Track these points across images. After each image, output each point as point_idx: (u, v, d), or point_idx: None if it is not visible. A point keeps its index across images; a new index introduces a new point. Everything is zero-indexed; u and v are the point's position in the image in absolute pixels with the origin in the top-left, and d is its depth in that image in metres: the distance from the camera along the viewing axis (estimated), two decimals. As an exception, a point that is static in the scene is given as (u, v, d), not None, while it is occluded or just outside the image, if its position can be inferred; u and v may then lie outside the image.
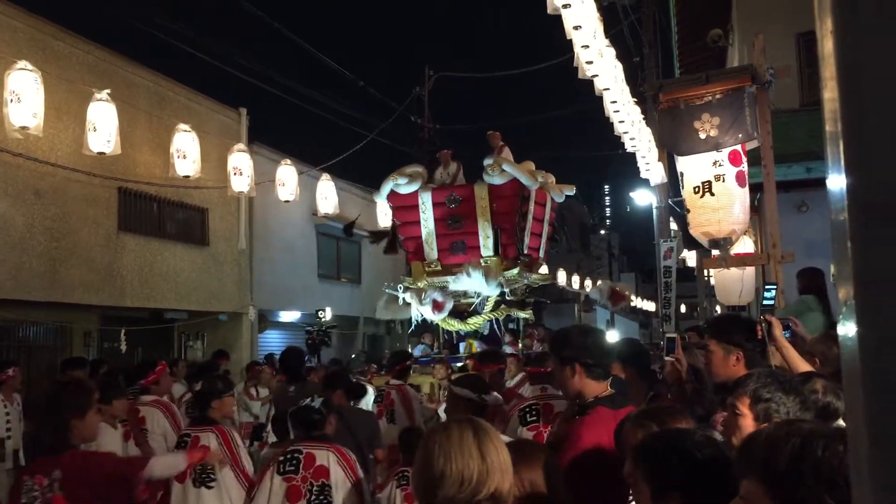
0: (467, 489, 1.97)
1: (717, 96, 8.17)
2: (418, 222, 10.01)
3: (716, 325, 3.55)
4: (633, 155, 11.44)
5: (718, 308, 17.49)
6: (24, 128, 8.21)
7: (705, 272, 14.74)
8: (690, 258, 17.79)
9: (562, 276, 29.42)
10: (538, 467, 2.42)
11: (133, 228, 13.32)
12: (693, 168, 8.59)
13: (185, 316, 14.78)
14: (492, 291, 9.58)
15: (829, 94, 0.83)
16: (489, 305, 9.87)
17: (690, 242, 11.73)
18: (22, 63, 8.33)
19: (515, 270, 9.66)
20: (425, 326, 10.88)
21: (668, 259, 13.55)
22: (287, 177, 10.79)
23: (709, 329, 3.49)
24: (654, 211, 15.31)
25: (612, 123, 9.94)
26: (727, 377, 3.17)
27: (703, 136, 8.15)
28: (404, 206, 10.13)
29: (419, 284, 9.87)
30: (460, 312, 9.98)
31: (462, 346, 10.38)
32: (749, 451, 1.63)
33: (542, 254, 10.89)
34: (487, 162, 9.55)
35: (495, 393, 4.56)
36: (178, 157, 9.80)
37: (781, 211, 8.51)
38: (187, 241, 14.70)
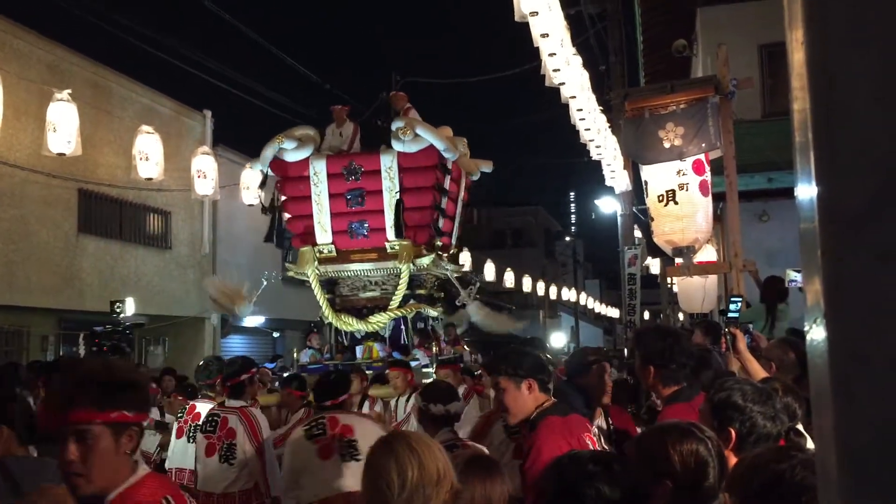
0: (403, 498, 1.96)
1: (682, 106, 8.27)
2: (308, 198, 8.32)
3: (503, 362, 3.43)
4: (598, 162, 11.54)
5: (681, 315, 17.68)
6: (-20, 128, 8.04)
7: (668, 280, 14.89)
8: (654, 265, 17.96)
9: (527, 282, 29.55)
10: (495, 481, 2.42)
11: (94, 231, 13.11)
12: (657, 176, 8.68)
13: (145, 320, 14.56)
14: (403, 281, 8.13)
15: (799, 104, 0.83)
16: (396, 300, 8.23)
17: (654, 250, 11.86)
18: (-21, 62, 8.18)
19: (429, 258, 8.15)
20: (312, 326, 9.44)
21: (633, 266, 13.65)
22: (252, 180, 10.68)
23: (495, 367, 3.45)
24: (619, 218, 15.40)
25: (579, 131, 10.02)
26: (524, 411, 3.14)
27: (667, 145, 8.24)
28: (291, 178, 8.45)
29: (307, 274, 8.28)
30: (359, 309, 8.45)
31: (360, 349, 8.64)
32: (736, 469, 1.65)
33: (454, 240, 9.34)
34: (397, 125, 7.95)
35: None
36: (141, 159, 9.65)
37: (743, 220, 8.63)
38: (149, 244, 14.50)
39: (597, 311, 44.34)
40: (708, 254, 10.43)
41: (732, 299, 4.58)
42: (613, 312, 41.28)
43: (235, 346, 17.55)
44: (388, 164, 8.08)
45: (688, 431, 2.21)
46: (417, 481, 1.99)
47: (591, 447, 3.01)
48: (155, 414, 7.21)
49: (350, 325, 8.36)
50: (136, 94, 14.08)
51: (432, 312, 8.97)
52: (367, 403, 7.00)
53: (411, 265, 8.09)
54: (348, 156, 8.38)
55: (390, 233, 8.12)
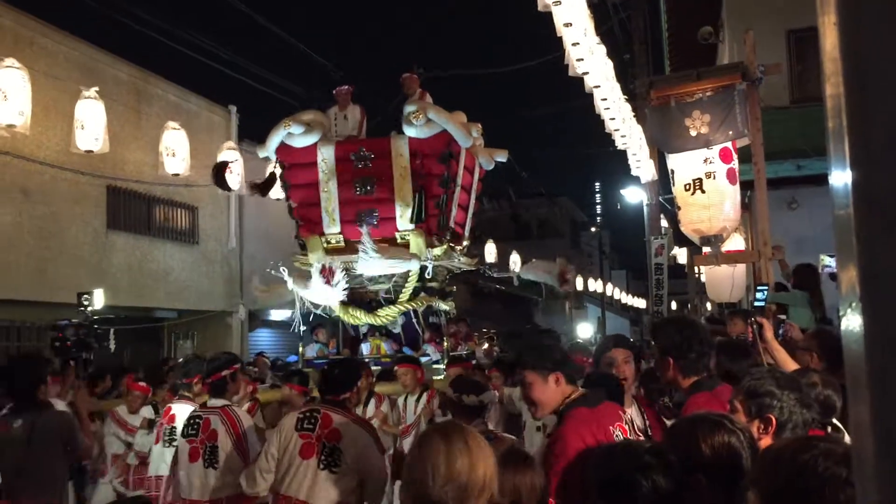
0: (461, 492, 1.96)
1: (708, 93, 8.18)
2: (316, 184, 7.86)
3: (529, 355, 3.42)
4: (623, 152, 11.46)
5: (709, 305, 17.55)
6: (10, 126, 8.15)
7: (696, 269, 14.79)
8: (681, 255, 17.84)
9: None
10: (525, 473, 2.42)
11: (122, 227, 13.26)
12: (684, 165, 8.60)
13: (174, 315, 14.71)
14: (413, 267, 7.69)
15: (833, 89, 0.82)
16: (406, 293, 7.78)
17: (681, 239, 11.77)
18: (9, 61, 8.26)
19: (441, 250, 7.74)
20: (319, 320, 8.79)
21: (659, 256, 13.57)
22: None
23: (521, 361, 3.44)
24: (645, 208, 15.30)
25: (603, 121, 9.96)
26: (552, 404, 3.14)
27: (693, 133, 8.16)
28: (298, 164, 8.00)
29: (315, 264, 7.86)
30: (367, 302, 7.97)
31: (366, 345, 8.27)
32: (758, 462, 1.63)
33: (467, 231, 8.82)
34: (409, 109, 7.55)
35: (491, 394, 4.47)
36: (168, 155, 9.75)
37: (771, 208, 8.53)
38: (177, 239, 14.64)
39: (623, 301, 44.12)
40: (736, 242, 10.33)
41: (759, 288, 4.53)
42: (640, 303, 41.05)
43: (262, 339, 17.68)
44: (398, 150, 7.58)
45: (718, 423, 2.20)
46: (463, 480, 1.98)
47: (620, 438, 2.98)
48: (148, 412, 6.93)
49: (358, 318, 7.84)
50: (162, 91, 14.20)
51: (444, 306, 8.46)
52: (373, 401, 6.63)
53: (423, 256, 7.63)
54: (358, 141, 7.93)
55: (401, 222, 7.66)
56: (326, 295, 7.61)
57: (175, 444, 5.24)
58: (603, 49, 8.35)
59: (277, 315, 18.38)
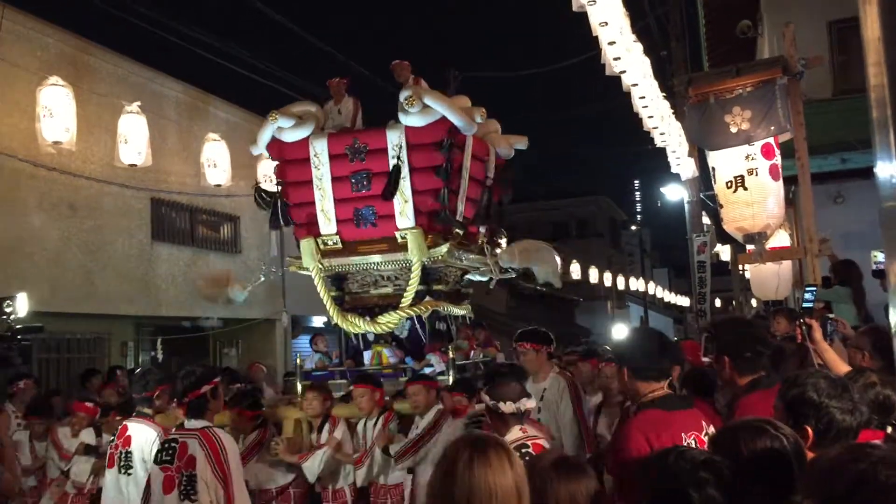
0: None
1: (748, 89, 8.05)
2: (310, 182, 7.35)
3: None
4: (663, 149, 11.35)
5: (754, 302, 17.28)
6: (57, 142, 8.35)
7: (740, 266, 14.57)
8: (724, 252, 17.60)
9: (593, 273, 29.27)
10: (580, 482, 2.40)
11: (166, 238, 13.47)
12: (725, 162, 8.47)
13: (219, 324, 14.90)
14: (415, 272, 7.10)
15: (876, 79, 0.80)
16: (407, 297, 7.15)
17: (724, 236, 11.61)
18: (53, 79, 8.47)
19: (444, 248, 7.09)
20: (318, 328, 8.48)
21: (702, 254, 13.42)
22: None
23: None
24: (686, 206, 15.15)
25: (641, 119, 9.88)
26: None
27: (734, 129, 8.04)
28: (291, 161, 7.49)
29: (310, 268, 7.43)
30: (369, 308, 7.46)
31: (368, 354, 7.57)
32: (812, 471, 1.59)
33: (482, 228, 8.21)
34: (404, 94, 6.94)
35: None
36: (209, 166, 9.91)
37: (817, 203, 8.38)
38: (220, 249, 14.84)
39: (666, 300, 43.70)
40: (781, 239, 10.15)
41: (807, 288, 4.43)
42: (683, 301, 40.63)
43: (306, 346, 17.82)
44: (395, 141, 6.99)
45: (761, 429, 2.15)
46: (497, 494, 1.96)
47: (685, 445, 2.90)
48: (87, 436, 6.30)
49: (357, 326, 7.30)
50: (202, 103, 14.41)
51: (457, 311, 7.87)
52: (327, 425, 6.10)
53: (424, 256, 7.02)
54: (351, 133, 7.36)
55: (401, 219, 7.11)
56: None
57: (131, 471, 4.83)
58: (640, 47, 8.28)
59: (320, 322, 18.54)
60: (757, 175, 8.26)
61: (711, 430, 3.04)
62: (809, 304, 4.22)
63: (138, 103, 9.26)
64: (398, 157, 6.98)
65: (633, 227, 42.68)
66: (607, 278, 31.07)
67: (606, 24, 6.78)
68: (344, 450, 5.98)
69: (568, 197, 40.02)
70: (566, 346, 10.81)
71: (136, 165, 9.17)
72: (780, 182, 8.50)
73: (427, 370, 6.92)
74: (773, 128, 8.00)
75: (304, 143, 7.28)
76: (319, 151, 7.24)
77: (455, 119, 6.96)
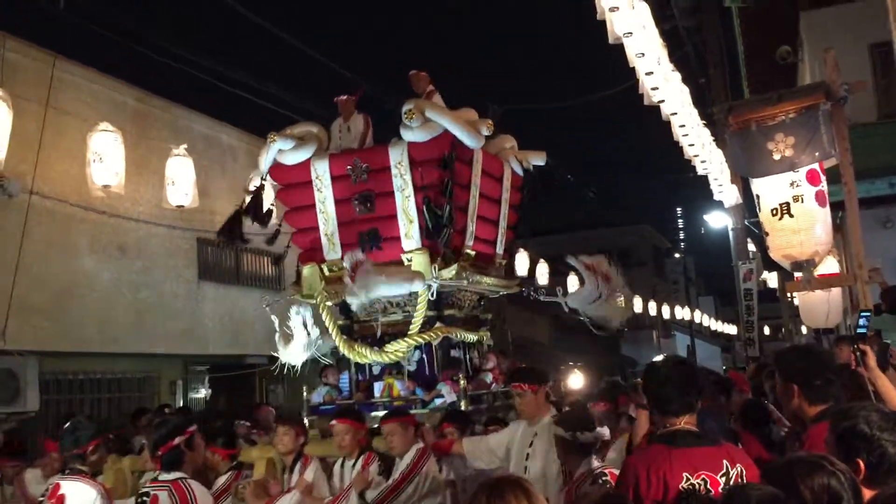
0: None
1: (791, 115, 7.97)
2: (313, 206, 7.01)
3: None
4: (704, 177, 11.26)
5: (804, 329, 16.94)
6: (106, 186, 8.59)
7: (789, 294, 14.33)
8: (771, 279, 17.33)
9: (638, 303, 28.97)
10: None
11: (212, 277, 13.66)
12: (769, 189, 8.37)
13: (265, 361, 15.02)
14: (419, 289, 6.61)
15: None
16: (416, 324, 6.68)
17: (771, 263, 11.44)
18: (103, 125, 8.74)
19: (452, 270, 6.62)
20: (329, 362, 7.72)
21: (749, 281, 13.24)
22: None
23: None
24: (731, 233, 14.97)
25: (682, 147, 9.83)
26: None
27: (777, 156, 7.95)
28: (292, 185, 7.20)
29: (314, 296, 7.06)
30: (380, 337, 6.99)
31: (378, 386, 7.09)
32: None
33: (499, 248, 7.73)
34: (405, 108, 6.59)
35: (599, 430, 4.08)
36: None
37: (865, 228, 8.21)
38: (265, 286, 14.99)
39: (712, 328, 43.00)
40: (830, 266, 9.97)
41: (862, 314, 4.35)
42: (730, 329, 39.95)
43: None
44: (397, 159, 6.60)
45: (817, 465, 2.11)
46: None
47: (687, 487, 2.82)
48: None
49: (364, 356, 6.85)
50: (247, 144, 14.67)
51: (472, 337, 7.40)
52: (298, 465, 5.44)
53: (432, 280, 6.54)
54: (352, 153, 6.96)
55: (407, 242, 6.70)
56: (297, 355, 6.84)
57: None
58: (678, 76, 8.29)
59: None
60: (803, 202, 8.15)
61: (739, 469, 2.90)
62: (863, 330, 4.14)
63: (185, 146, 9.49)
64: (427, 197, 6.54)
65: (677, 255, 42.19)
66: (652, 307, 30.73)
67: (643, 55, 6.81)
68: (318, 493, 5.23)
69: (610, 226, 39.78)
70: (611, 376, 10.67)
71: (183, 206, 9.37)
72: (827, 208, 8.37)
73: (437, 401, 6.57)
74: (817, 153, 7.90)
75: (306, 165, 6.96)
76: (321, 173, 6.91)
77: (458, 132, 6.56)
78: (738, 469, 2.90)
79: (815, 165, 8.09)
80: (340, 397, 7.33)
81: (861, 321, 4.12)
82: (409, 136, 6.59)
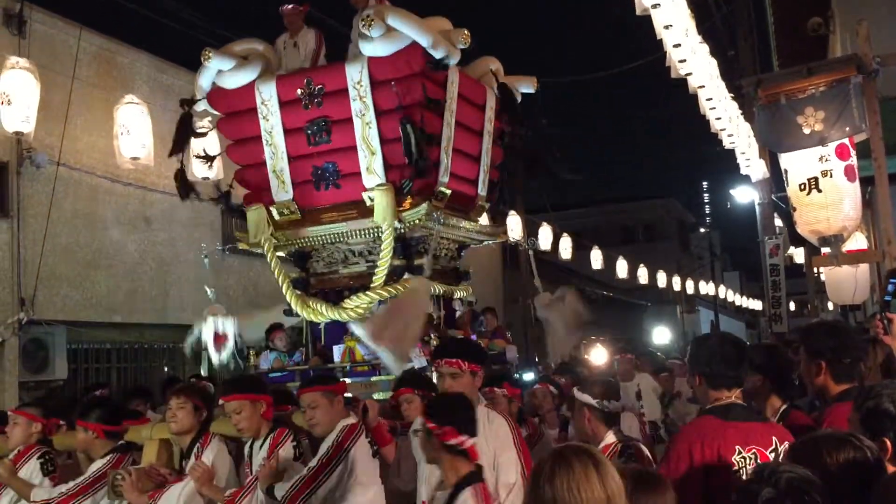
0: None
1: (821, 89, 7.85)
2: (258, 138, 5.94)
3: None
4: (731, 151, 11.12)
5: (830, 305, 16.79)
6: (134, 158, 8.66)
7: (815, 269, 14.18)
8: (798, 255, 17.14)
9: (662, 278, 28.82)
10: (666, 496, 2.35)
11: (236, 249, 13.74)
12: (797, 164, 8.27)
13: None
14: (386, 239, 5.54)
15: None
16: (379, 275, 5.57)
17: (797, 239, 11.32)
18: (129, 97, 8.79)
19: (421, 210, 5.55)
20: (276, 322, 6.85)
21: (775, 257, 13.09)
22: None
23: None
24: (757, 208, 14.79)
25: (709, 121, 9.71)
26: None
27: (807, 130, 7.84)
28: (234, 113, 6.16)
29: (261, 243, 6.08)
30: (338, 291, 5.98)
31: (338, 350, 6.07)
32: (882, 490, 1.55)
33: (482, 189, 6.54)
34: (364, 13, 5.45)
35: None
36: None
37: (895, 203, 8.10)
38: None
39: (737, 303, 42.72)
40: (858, 242, 9.84)
41: (891, 280, 4.22)
42: (756, 305, 39.68)
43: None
44: (356, 78, 5.45)
45: (844, 440, 2.10)
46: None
47: (739, 461, 2.82)
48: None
49: (320, 313, 5.83)
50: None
51: (458, 293, 6.43)
52: (197, 445, 4.09)
53: (395, 221, 5.52)
54: (303, 73, 5.85)
55: (369, 176, 5.60)
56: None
57: None
58: (706, 48, 8.16)
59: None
60: (831, 177, 8.05)
61: (786, 446, 2.84)
62: (890, 297, 4.03)
63: (209, 118, 9.51)
64: (408, 117, 5.40)
65: (703, 230, 41.85)
66: (676, 282, 30.56)
67: (671, 26, 6.70)
68: (223, 481, 3.98)
69: (635, 200, 39.52)
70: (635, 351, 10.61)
71: (208, 179, 9.41)
72: (857, 183, 8.26)
73: (406, 366, 5.39)
74: (847, 128, 7.79)
75: (250, 88, 5.89)
76: (268, 98, 5.81)
77: (428, 42, 5.37)
78: (786, 446, 2.86)
79: (845, 140, 7.98)
80: (292, 362, 6.44)
81: (890, 286, 3.98)
82: (368, 49, 5.46)
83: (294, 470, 3.81)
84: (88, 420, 4.26)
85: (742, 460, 2.81)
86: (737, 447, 2.83)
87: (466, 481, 3.02)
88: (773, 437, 2.90)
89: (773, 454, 2.84)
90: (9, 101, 7.94)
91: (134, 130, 8.59)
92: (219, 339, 6.45)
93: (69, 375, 10.22)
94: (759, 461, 2.80)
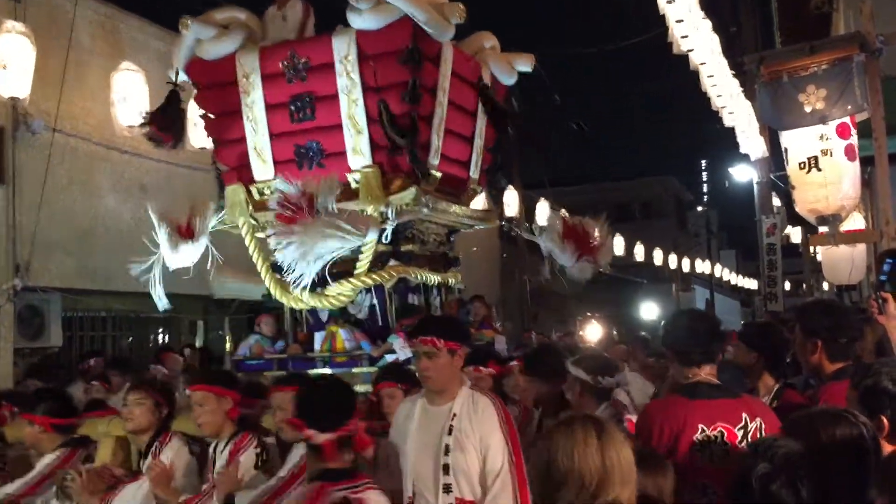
0: (586, 494, 1.91)
1: (823, 67, 7.81)
2: (238, 112, 5.62)
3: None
4: (731, 129, 11.08)
5: (826, 286, 16.84)
6: (131, 126, 8.60)
7: (812, 249, 14.21)
8: (795, 234, 17.18)
9: (658, 255, 28.85)
10: (667, 476, 2.36)
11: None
12: (798, 142, 8.26)
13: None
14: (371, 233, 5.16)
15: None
16: (364, 261, 5.25)
17: (794, 218, 11.32)
18: (126, 64, 8.71)
19: (410, 194, 5.20)
20: (261, 306, 6.58)
21: (772, 236, 13.10)
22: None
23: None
24: (755, 186, 14.78)
25: (710, 97, 9.66)
26: None
27: (808, 109, 7.82)
28: (214, 85, 5.80)
29: (240, 222, 5.85)
30: (321, 277, 5.36)
31: (320, 336, 5.73)
32: (883, 469, 1.55)
33: (474, 171, 6.20)
34: None
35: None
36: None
37: (894, 184, 8.10)
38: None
39: (733, 282, 42.84)
40: (856, 222, 9.85)
41: (887, 260, 4.21)
42: (751, 284, 39.80)
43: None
44: (343, 53, 5.19)
45: (840, 416, 2.10)
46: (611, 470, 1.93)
47: (701, 438, 2.82)
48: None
49: (300, 300, 5.48)
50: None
51: (451, 280, 6.14)
52: (156, 444, 3.82)
53: (382, 205, 5.20)
54: (287, 45, 5.52)
55: (355, 156, 5.32)
56: (187, 255, 5.85)
57: None
58: (708, 24, 8.11)
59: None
60: (831, 156, 8.04)
61: (759, 422, 2.87)
62: (885, 277, 4.01)
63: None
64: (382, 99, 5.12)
65: (700, 208, 41.84)
66: (672, 260, 30.61)
67: (674, 1, 6.67)
68: (184, 483, 3.69)
69: (632, 178, 39.46)
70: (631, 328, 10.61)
71: (205, 148, 9.36)
72: (856, 163, 8.26)
73: (389, 358, 5.22)
74: (849, 107, 7.77)
75: (231, 60, 5.57)
76: (250, 71, 5.49)
77: (421, 17, 5.06)
78: (758, 422, 2.88)
79: (846, 119, 7.96)
80: (273, 350, 6.09)
81: (885, 266, 3.97)
82: (357, 21, 5.16)
83: (256, 479, 3.52)
84: (35, 413, 3.97)
85: (706, 438, 2.82)
86: (700, 426, 2.84)
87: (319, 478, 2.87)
88: (743, 414, 2.89)
89: (741, 431, 2.85)
90: (4, 66, 7.86)
91: (131, 98, 8.52)
92: None
93: (64, 343, 10.23)
94: (725, 439, 2.82)
